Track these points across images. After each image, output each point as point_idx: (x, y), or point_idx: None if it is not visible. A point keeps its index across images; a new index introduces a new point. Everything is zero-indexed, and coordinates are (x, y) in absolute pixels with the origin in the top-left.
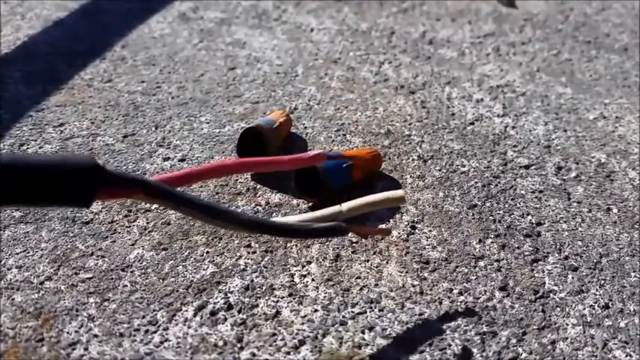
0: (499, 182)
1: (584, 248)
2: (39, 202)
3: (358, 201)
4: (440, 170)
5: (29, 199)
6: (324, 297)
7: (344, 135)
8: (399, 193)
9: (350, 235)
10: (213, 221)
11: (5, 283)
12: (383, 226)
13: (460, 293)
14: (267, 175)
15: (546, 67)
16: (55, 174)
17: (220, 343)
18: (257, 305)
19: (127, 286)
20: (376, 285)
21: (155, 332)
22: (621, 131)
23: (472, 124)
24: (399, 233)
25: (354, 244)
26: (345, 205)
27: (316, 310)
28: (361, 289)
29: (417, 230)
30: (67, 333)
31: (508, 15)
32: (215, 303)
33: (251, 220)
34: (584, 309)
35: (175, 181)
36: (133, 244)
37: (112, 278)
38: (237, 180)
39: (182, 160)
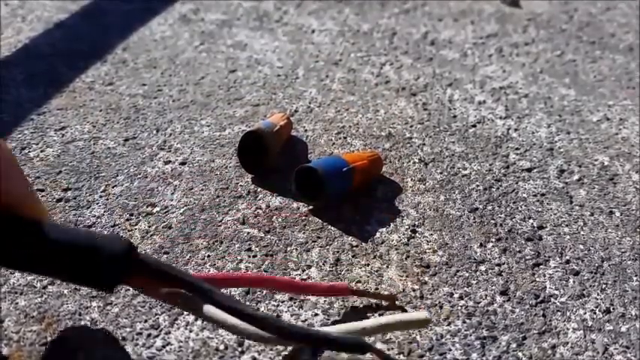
0: (501, 185)
1: (586, 252)
2: (61, 278)
3: (383, 320)
4: (441, 173)
5: (52, 274)
6: (325, 301)
7: (345, 138)
8: (423, 316)
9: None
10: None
11: (9, 287)
12: (383, 230)
13: (461, 297)
14: (268, 178)
15: (550, 68)
16: (87, 259)
17: (221, 347)
18: (258, 309)
19: (129, 290)
20: (376, 289)
21: (157, 336)
22: (625, 133)
23: (474, 126)
24: (399, 237)
25: (354, 248)
26: (370, 324)
27: (316, 314)
28: None
29: (417, 234)
30: (71, 337)
31: (511, 15)
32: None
33: (276, 325)
34: (585, 313)
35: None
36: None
37: None
38: (237, 183)
39: (183, 163)
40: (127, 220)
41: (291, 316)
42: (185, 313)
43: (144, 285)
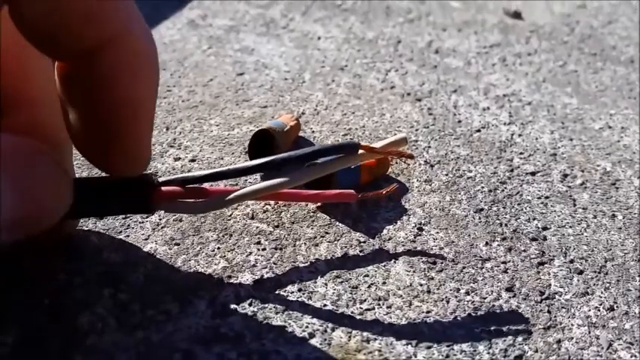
0: (505, 188)
1: (590, 252)
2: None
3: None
4: (447, 175)
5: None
6: (333, 293)
7: (351, 139)
8: (400, 136)
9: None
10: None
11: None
12: (390, 227)
13: (467, 293)
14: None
15: (552, 77)
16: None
17: (231, 335)
18: (267, 299)
19: (140, 278)
20: (384, 283)
21: (167, 322)
22: (626, 141)
23: (478, 131)
24: (405, 234)
25: (361, 244)
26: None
27: (325, 305)
28: (369, 286)
29: (424, 232)
30: (81, 323)
31: (514, 26)
32: (226, 296)
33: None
34: (590, 310)
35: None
36: (146, 239)
37: (126, 271)
38: (246, 180)
39: (192, 160)
40: None
41: (300, 306)
42: (196, 301)
43: (173, 200)
